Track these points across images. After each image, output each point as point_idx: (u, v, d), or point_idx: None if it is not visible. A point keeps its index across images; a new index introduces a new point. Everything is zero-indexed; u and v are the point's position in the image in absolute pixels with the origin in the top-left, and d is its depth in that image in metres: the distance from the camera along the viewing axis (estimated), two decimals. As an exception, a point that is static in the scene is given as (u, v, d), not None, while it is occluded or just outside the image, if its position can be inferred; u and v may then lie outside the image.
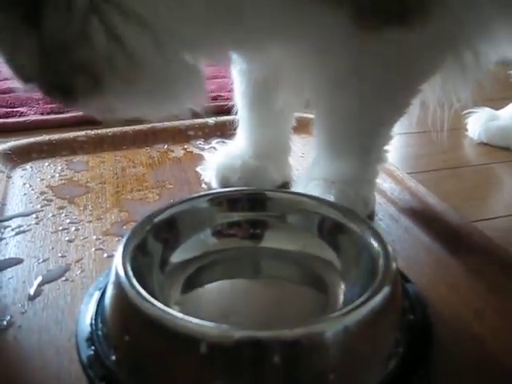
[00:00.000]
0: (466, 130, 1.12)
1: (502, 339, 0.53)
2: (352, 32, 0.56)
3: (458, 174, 0.96)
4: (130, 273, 0.46)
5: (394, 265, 0.48)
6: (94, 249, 0.66)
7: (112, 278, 0.49)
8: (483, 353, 0.51)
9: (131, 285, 0.45)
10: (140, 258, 0.51)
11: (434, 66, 0.65)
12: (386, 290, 0.45)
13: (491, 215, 0.81)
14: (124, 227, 0.72)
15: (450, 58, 0.65)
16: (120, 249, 0.50)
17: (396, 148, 0.74)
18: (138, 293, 0.44)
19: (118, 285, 0.46)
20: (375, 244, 0.52)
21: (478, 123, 1.10)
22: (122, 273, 0.46)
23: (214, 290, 0.55)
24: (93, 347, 0.47)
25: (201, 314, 0.46)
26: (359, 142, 0.70)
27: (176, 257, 0.56)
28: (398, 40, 0.58)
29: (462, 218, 0.73)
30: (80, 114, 1.12)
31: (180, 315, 0.41)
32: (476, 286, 0.61)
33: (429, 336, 0.50)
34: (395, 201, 0.79)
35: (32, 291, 0.58)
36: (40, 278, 0.61)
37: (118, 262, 0.48)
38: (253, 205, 0.60)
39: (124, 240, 0.51)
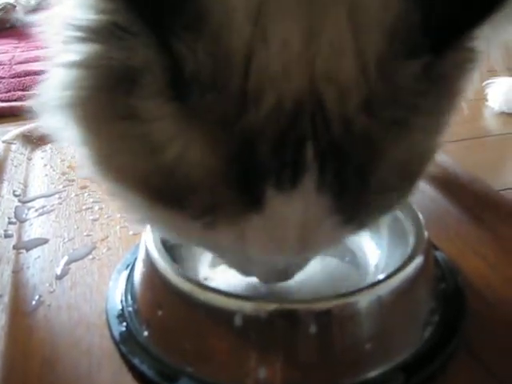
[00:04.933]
0: (487, 100, 1.11)
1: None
2: None
3: (481, 143, 0.94)
4: (162, 248, 0.46)
5: (425, 233, 0.48)
6: (118, 227, 0.66)
7: (142, 255, 0.49)
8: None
9: (164, 260, 0.44)
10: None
11: None
12: (418, 259, 0.45)
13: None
14: (147, 205, 0.71)
15: None
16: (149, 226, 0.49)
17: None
18: (171, 267, 0.43)
19: (149, 261, 0.46)
20: (403, 212, 0.51)
21: (499, 93, 1.08)
22: (152, 249, 0.46)
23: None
24: (124, 323, 0.47)
25: (230, 288, 0.46)
26: None
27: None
28: None
29: (489, 187, 0.72)
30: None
31: (214, 288, 0.41)
32: (505, 253, 0.59)
33: (462, 304, 0.49)
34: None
35: (59, 270, 0.58)
36: (66, 257, 0.60)
37: (148, 238, 0.48)
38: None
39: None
